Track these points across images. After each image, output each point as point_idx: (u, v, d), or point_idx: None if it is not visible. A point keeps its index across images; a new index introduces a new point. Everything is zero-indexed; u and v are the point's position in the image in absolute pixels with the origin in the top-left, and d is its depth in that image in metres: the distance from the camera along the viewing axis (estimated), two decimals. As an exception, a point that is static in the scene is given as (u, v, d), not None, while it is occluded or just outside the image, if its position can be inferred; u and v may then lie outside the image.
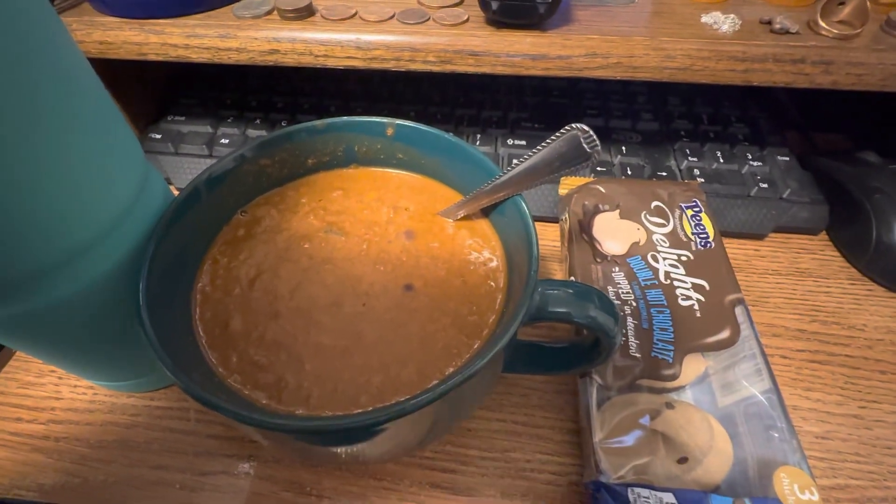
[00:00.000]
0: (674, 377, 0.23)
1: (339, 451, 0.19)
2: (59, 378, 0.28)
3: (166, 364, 0.17)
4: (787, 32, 0.29)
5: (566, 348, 0.23)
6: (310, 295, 0.21)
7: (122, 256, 0.20)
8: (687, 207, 0.30)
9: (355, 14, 0.33)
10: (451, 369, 0.19)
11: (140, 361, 0.25)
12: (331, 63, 0.32)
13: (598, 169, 0.37)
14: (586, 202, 0.31)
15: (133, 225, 0.20)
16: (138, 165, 0.21)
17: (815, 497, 0.20)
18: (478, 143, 0.39)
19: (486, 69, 0.31)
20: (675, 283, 0.26)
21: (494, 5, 0.29)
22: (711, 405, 0.22)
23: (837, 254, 0.34)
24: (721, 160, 0.37)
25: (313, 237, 0.24)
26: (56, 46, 0.16)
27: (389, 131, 0.26)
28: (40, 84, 0.16)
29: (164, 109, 0.43)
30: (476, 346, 0.20)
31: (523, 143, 0.39)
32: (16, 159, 0.15)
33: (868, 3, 0.28)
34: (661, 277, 0.27)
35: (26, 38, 0.15)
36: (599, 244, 0.29)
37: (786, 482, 0.20)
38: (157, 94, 0.44)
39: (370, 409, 0.18)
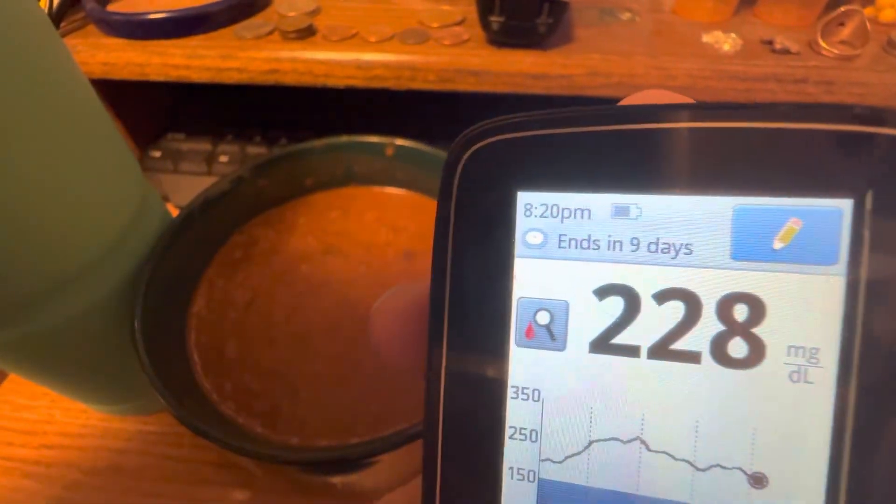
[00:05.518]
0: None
1: (334, 481, 0.19)
2: (52, 401, 0.27)
3: (160, 390, 0.16)
4: (788, 52, 0.29)
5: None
6: (306, 320, 0.21)
7: (119, 281, 0.19)
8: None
9: (356, 34, 0.33)
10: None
11: (134, 385, 0.24)
12: (331, 83, 0.32)
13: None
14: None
15: (130, 248, 0.20)
16: (136, 188, 0.21)
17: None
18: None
19: (487, 88, 0.31)
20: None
21: (495, 25, 0.29)
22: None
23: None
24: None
25: (311, 259, 0.24)
26: (54, 69, 0.16)
27: (389, 151, 0.25)
28: (38, 109, 0.15)
29: (165, 127, 0.43)
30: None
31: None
32: (10, 184, 0.15)
33: (868, 24, 0.28)
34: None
35: (22, 60, 0.15)
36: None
37: None
38: (158, 112, 0.44)
39: (367, 439, 0.18)
